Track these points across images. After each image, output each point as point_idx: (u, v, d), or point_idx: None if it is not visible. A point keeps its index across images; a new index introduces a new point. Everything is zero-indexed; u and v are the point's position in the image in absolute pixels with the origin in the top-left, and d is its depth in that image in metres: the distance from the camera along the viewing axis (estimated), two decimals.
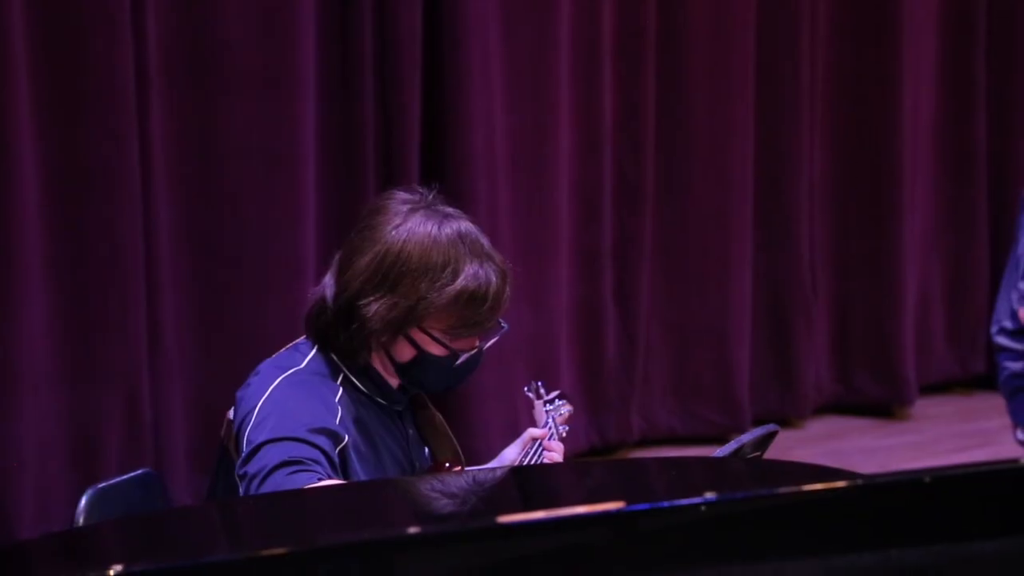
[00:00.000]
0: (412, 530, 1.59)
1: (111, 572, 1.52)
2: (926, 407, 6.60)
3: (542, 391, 3.13)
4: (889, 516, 1.61)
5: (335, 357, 2.82)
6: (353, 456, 2.73)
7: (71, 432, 4.56)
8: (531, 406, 3.13)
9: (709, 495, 1.53)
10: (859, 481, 1.62)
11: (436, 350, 2.82)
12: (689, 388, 6.07)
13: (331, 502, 2.24)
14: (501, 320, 2.87)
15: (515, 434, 3.05)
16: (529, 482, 2.51)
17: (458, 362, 2.84)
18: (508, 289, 2.84)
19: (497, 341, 2.92)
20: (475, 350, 2.86)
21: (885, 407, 6.52)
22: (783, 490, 1.59)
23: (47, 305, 4.49)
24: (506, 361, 5.27)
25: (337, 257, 2.87)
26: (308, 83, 4.90)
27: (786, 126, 6.15)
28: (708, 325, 6.07)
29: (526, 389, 3.15)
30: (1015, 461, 1.63)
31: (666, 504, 1.55)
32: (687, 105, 5.95)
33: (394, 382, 2.86)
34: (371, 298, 2.78)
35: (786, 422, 6.20)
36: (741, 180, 6.05)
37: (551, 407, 3.10)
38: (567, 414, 3.11)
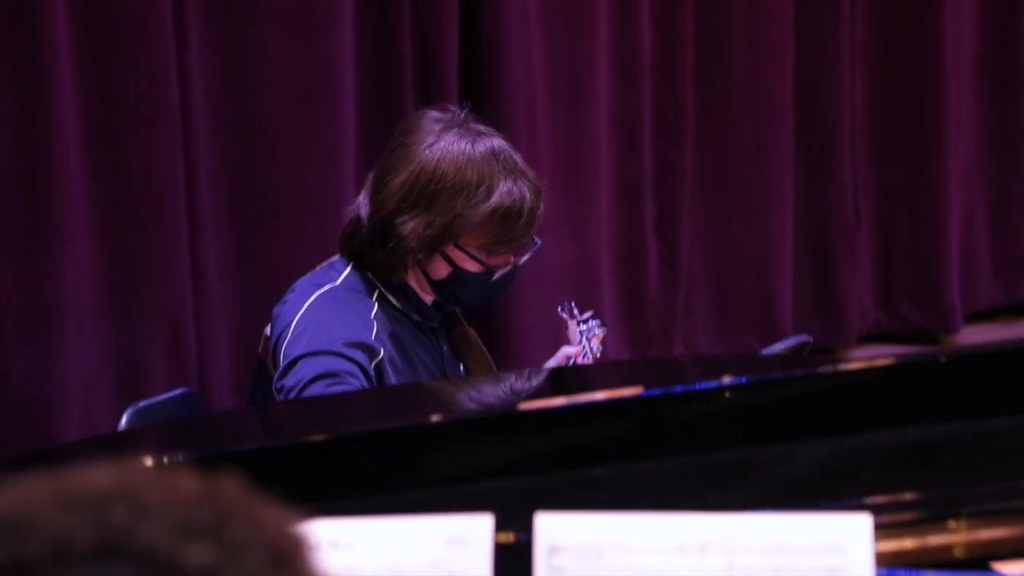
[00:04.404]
0: (435, 418, 1.62)
1: (148, 461, 1.56)
2: (971, 335, 6.53)
3: (575, 311, 3.14)
4: (906, 396, 1.63)
5: (370, 275, 2.86)
6: (389, 370, 2.77)
7: (116, 367, 4.60)
8: (564, 326, 3.15)
9: (727, 379, 1.55)
10: (876, 363, 1.64)
11: (472, 266, 2.84)
12: (731, 317, 6.06)
13: (364, 401, 2.28)
14: (535, 236, 2.90)
15: None
16: (561, 380, 2.53)
17: (494, 278, 2.87)
18: (542, 205, 2.87)
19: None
20: (510, 266, 2.88)
21: (929, 335, 6.48)
22: (800, 372, 1.62)
23: (90, 240, 4.52)
24: (547, 292, 5.28)
25: (371, 176, 2.90)
26: (345, 15, 4.91)
27: (827, 53, 6.11)
28: (750, 254, 6.05)
29: (560, 309, 3.16)
30: None
31: (683, 388, 1.58)
32: (726, 34, 5.92)
33: (428, 298, 2.89)
34: (407, 216, 2.81)
35: (829, 351, 6.18)
36: (781, 108, 6.01)
37: (584, 327, 3.11)
38: (601, 335, 3.12)
